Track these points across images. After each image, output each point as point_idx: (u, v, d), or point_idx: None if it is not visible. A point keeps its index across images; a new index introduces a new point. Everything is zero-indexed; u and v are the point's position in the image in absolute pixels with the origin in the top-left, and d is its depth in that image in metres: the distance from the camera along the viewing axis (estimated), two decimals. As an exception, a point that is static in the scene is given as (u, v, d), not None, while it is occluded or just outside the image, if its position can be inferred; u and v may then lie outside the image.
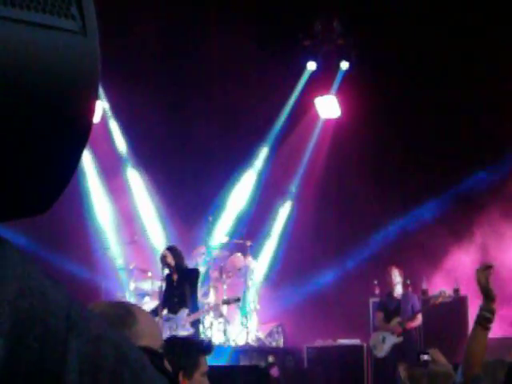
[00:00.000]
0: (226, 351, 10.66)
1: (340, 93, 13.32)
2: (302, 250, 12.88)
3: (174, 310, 9.72)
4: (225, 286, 11.54)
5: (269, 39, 12.80)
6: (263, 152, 13.85)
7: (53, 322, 0.80)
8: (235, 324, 11.78)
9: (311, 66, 13.53)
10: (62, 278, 8.33)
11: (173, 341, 3.74)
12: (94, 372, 0.82)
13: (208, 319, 11.09)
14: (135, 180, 13.83)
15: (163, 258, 9.86)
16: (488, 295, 4.05)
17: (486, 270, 4.09)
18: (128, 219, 13.52)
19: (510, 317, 10.58)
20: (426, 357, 5.60)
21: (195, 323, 9.84)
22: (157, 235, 13.59)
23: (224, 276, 11.64)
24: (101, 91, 12.88)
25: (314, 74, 13.59)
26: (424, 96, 12.20)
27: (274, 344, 11.97)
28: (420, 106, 12.24)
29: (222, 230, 13.29)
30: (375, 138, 12.47)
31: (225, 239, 12.72)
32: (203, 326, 10.78)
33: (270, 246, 13.51)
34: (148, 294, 11.99)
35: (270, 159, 13.81)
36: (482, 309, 4.05)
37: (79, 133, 0.82)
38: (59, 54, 0.79)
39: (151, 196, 13.75)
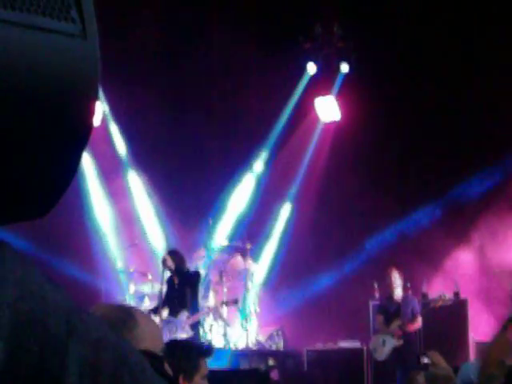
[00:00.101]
0: (226, 354, 10.64)
1: (340, 95, 13.31)
2: (302, 252, 12.87)
3: (174, 313, 9.77)
4: (225, 289, 11.53)
5: (269, 42, 12.78)
6: (263, 155, 13.83)
7: (53, 324, 0.80)
8: (235, 327, 11.76)
9: (311, 68, 13.51)
10: (62, 280, 8.31)
11: (173, 344, 3.74)
12: (94, 375, 0.82)
13: (208, 322, 11.09)
14: (135, 183, 13.81)
15: (163, 262, 10.11)
16: None
17: None
18: (128, 222, 13.51)
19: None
20: (425, 359, 5.60)
21: (195, 326, 9.87)
22: (157, 238, 13.57)
23: (224, 279, 11.63)
24: (101, 94, 12.86)
25: (314, 76, 13.58)
26: (424, 99, 12.19)
27: (274, 347, 11.95)
28: (419, 108, 12.24)
29: (222, 232, 13.26)
30: (375, 140, 12.46)
31: (225, 242, 12.71)
32: (203, 329, 10.78)
33: (270, 249, 13.49)
34: (148, 297, 11.98)
35: (269, 162, 13.79)
36: None
37: (79, 135, 0.82)
38: (59, 57, 0.79)
39: (151, 199, 13.73)
